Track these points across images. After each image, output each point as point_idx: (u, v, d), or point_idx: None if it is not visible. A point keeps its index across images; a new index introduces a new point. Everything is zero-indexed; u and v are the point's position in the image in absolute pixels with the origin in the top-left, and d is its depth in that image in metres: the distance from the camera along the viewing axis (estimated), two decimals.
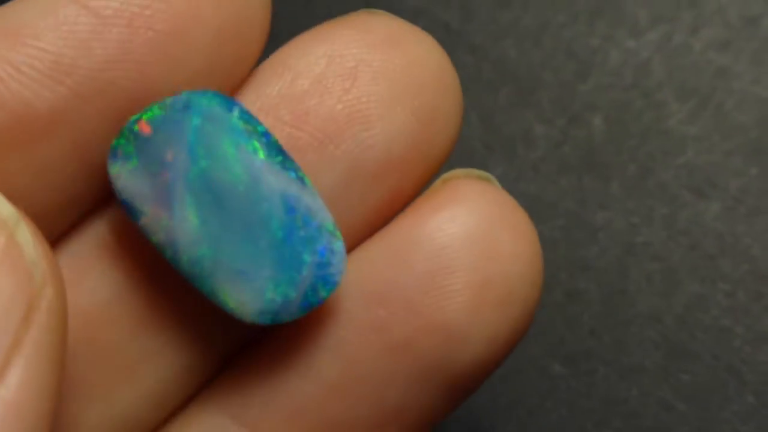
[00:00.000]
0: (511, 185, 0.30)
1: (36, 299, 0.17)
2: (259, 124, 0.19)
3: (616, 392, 0.29)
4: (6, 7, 0.19)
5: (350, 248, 0.21)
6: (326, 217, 0.20)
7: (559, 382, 0.29)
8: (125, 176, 0.19)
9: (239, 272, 0.19)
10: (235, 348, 0.22)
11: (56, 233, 0.21)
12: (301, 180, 0.19)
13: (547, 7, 0.31)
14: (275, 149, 0.19)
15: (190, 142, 0.19)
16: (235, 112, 0.19)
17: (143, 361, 0.21)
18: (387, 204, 0.21)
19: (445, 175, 0.21)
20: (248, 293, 0.19)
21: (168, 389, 0.21)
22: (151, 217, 0.19)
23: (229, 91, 0.20)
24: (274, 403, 0.21)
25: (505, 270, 0.20)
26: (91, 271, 0.21)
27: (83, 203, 0.20)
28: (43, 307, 0.17)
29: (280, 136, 0.20)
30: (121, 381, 0.21)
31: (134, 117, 0.19)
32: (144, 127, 0.19)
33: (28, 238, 0.17)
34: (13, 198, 0.19)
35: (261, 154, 0.19)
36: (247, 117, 0.19)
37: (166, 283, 0.21)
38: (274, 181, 0.19)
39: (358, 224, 0.21)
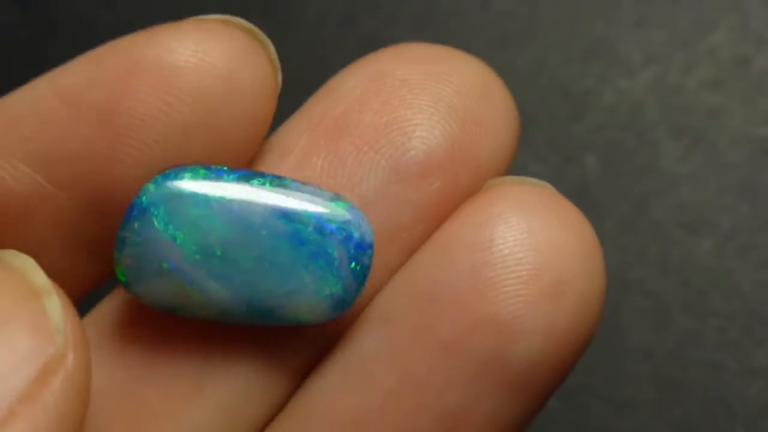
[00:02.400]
0: None
1: (54, 364, 0.18)
2: (218, 168, 0.20)
3: (610, 426, 0.30)
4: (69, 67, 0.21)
5: (397, 250, 0.21)
6: (323, 204, 0.20)
7: (555, 416, 0.30)
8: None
9: (283, 297, 0.20)
10: (300, 363, 0.22)
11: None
12: (282, 185, 0.20)
13: (542, 48, 0.32)
14: (241, 175, 0.20)
15: (171, 226, 0.20)
16: (185, 177, 0.20)
17: (208, 380, 0.21)
18: (432, 207, 0.21)
19: (492, 181, 0.21)
20: (302, 305, 0.20)
21: (238, 408, 0.21)
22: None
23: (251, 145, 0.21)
24: (334, 417, 0.21)
25: (554, 261, 0.20)
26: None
27: (72, 283, 0.21)
28: (60, 373, 0.18)
29: (320, 149, 0.21)
30: (188, 400, 0.21)
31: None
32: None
33: (57, 306, 0.18)
34: None
35: (227, 192, 0.20)
36: (203, 172, 0.20)
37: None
38: (259, 208, 0.20)
39: (403, 227, 0.21)
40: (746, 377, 0.30)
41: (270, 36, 0.21)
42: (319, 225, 0.20)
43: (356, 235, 0.20)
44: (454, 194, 0.21)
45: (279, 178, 0.20)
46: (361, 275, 0.20)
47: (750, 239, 0.30)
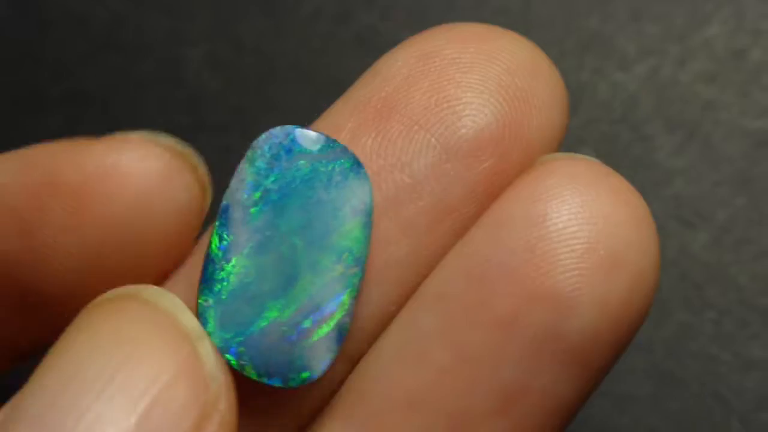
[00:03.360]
0: None
1: (210, 410, 0.18)
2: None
3: (608, 420, 0.30)
4: None
5: (449, 229, 0.21)
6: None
7: None
8: None
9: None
10: (353, 346, 0.22)
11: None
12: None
13: (537, 42, 0.32)
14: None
15: None
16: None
17: None
18: (483, 186, 0.21)
19: (543, 157, 0.21)
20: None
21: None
22: None
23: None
24: (391, 398, 0.20)
25: (608, 235, 0.20)
26: None
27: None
28: (215, 419, 0.18)
29: (369, 129, 0.21)
30: None
31: None
32: None
33: (209, 351, 0.19)
34: None
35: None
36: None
37: None
38: None
39: (454, 205, 0.21)
40: (742, 370, 0.30)
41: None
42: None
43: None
44: (505, 172, 0.21)
45: None
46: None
47: (746, 233, 0.30)
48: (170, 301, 0.19)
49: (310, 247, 0.20)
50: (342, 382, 0.21)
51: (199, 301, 0.20)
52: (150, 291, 0.19)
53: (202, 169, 0.21)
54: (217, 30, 0.33)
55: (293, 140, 0.20)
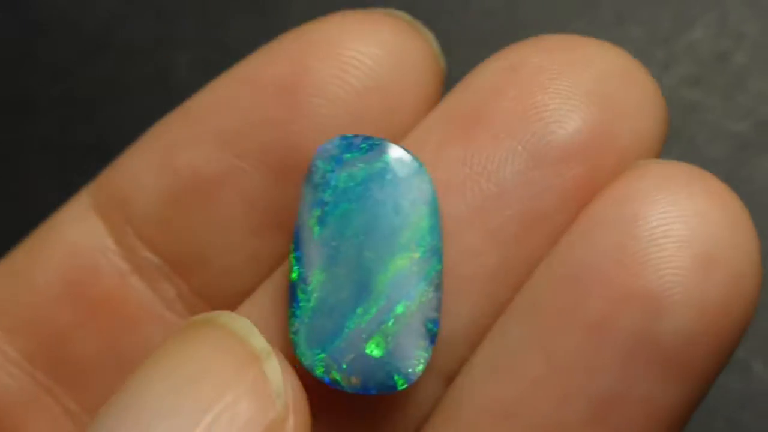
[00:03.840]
0: None
1: (275, 427, 0.18)
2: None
3: None
4: (195, 95, 0.22)
5: (539, 238, 0.20)
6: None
7: None
8: None
9: None
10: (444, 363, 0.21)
11: (247, 289, 0.22)
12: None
13: None
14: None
15: None
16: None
17: None
18: (574, 193, 0.20)
19: (637, 162, 0.20)
20: None
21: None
22: None
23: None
24: (486, 411, 0.20)
25: (702, 233, 0.19)
26: None
27: (257, 263, 0.22)
28: None
29: (456, 139, 0.21)
30: None
31: None
32: None
33: (276, 370, 0.18)
34: (201, 255, 0.22)
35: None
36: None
37: None
38: None
39: (545, 213, 0.20)
40: (726, 370, 0.30)
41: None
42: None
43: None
44: (596, 179, 0.20)
45: None
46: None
47: None
48: (240, 324, 0.19)
49: (378, 248, 0.20)
50: (438, 398, 0.21)
51: (291, 328, 0.20)
52: (224, 316, 0.19)
53: (432, 37, 0.22)
54: (206, 34, 0.33)
55: (341, 148, 0.20)
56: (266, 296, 0.21)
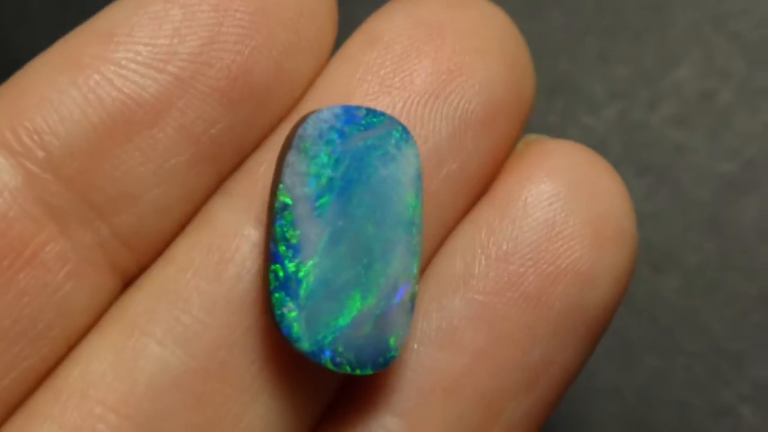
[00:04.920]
0: None
1: None
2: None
3: None
4: (99, 13, 0.20)
5: (472, 197, 0.21)
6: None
7: None
8: None
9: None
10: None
11: (176, 226, 0.21)
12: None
13: None
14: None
15: None
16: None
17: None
18: (497, 151, 0.21)
19: (526, 138, 0.22)
20: None
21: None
22: None
23: (318, 68, 0.21)
24: (428, 386, 0.21)
25: (612, 207, 0.21)
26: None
27: (190, 200, 0.20)
28: None
29: (388, 100, 0.21)
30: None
31: None
32: None
33: None
34: (130, 193, 0.20)
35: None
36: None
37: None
38: None
39: (476, 173, 0.21)
40: (714, 416, 0.30)
41: None
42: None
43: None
44: (512, 135, 0.22)
45: None
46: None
47: (717, 277, 0.30)
48: None
49: (381, 227, 0.20)
50: None
51: (280, 311, 0.19)
52: None
53: None
54: None
55: (342, 120, 0.20)
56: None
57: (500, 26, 0.22)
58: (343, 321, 0.19)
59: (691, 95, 0.31)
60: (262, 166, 0.20)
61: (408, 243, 0.20)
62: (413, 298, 0.20)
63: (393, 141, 0.20)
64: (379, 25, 0.21)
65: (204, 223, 0.20)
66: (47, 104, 0.20)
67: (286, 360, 0.20)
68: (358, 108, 0.20)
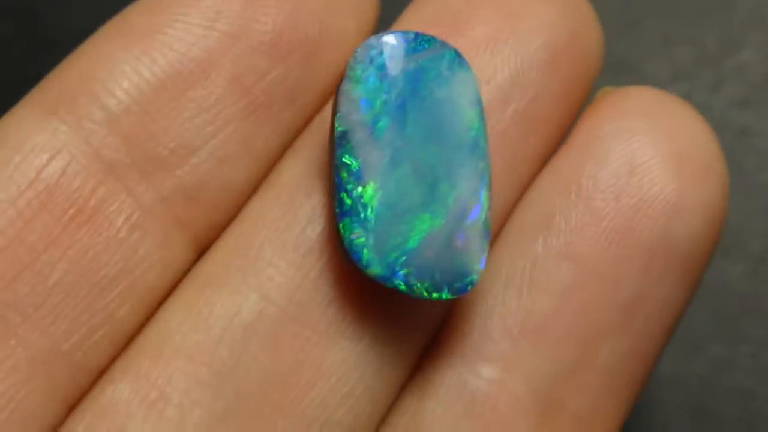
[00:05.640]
0: None
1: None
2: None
3: None
4: None
5: (539, 142, 0.21)
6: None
7: None
8: None
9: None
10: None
11: (240, 176, 0.21)
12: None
13: None
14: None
15: None
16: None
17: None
18: (565, 93, 0.21)
19: (603, 89, 0.22)
20: None
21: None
22: None
23: (365, 24, 0.21)
24: (517, 329, 0.20)
25: (696, 142, 0.21)
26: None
27: (251, 150, 0.21)
28: None
29: (451, 43, 0.21)
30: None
31: None
32: None
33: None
34: (189, 145, 0.20)
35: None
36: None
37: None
38: None
39: (545, 113, 0.21)
40: None
41: None
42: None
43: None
44: (580, 80, 0.21)
45: None
46: None
47: None
48: None
49: (443, 148, 0.19)
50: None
51: (348, 237, 0.19)
52: None
53: None
54: None
55: (393, 46, 0.20)
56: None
57: None
58: (413, 243, 0.19)
59: (755, 78, 0.31)
60: (327, 123, 0.21)
61: (474, 166, 0.19)
62: (487, 224, 0.19)
63: (446, 63, 0.20)
64: None
65: (273, 180, 0.20)
66: (103, 70, 0.20)
67: (366, 301, 0.20)
68: (407, 33, 0.20)
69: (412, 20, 0.21)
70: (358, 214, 0.19)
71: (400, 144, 0.19)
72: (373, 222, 0.19)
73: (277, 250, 0.20)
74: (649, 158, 0.20)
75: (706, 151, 0.21)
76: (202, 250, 0.20)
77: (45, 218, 0.19)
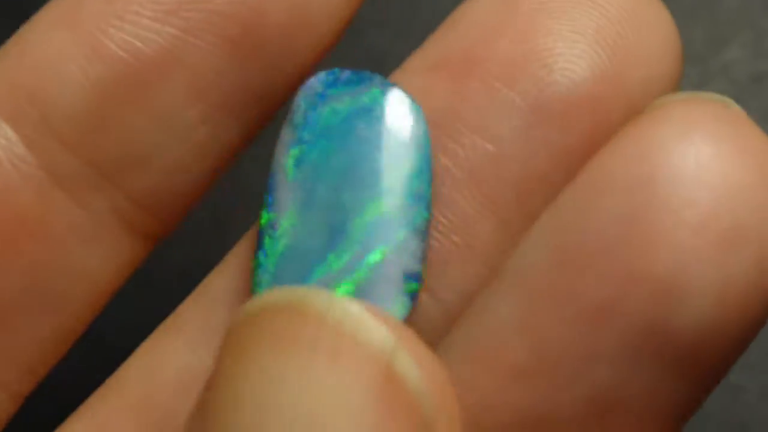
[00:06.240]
0: None
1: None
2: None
3: None
4: None
5: (540, 201, 0.18)
6: None
7: None
8: None
9: None
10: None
11: (195, 190, 0.19)
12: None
13: None
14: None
15: None
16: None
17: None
18: (580, 151, 0.18)
19: (660, 99, 0.17)
20: None
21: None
22: None
23: (342, 16, 0.19)
24: (464, 411, 0.17)
25: (731, 201, 0.16)
26: None
27: (207, 157, 0.19)
28: None
29: (445, 87, 0.18)
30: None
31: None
32: None
33: (409, 364, 0.15)
34: (140, 155, 0.18)
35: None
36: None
37: None
38: None
39: (544, 173, 0.18)
40: (767, 400, 0.29)
41: None
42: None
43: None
44: (603, 134, 0.18)
45: None
46: None
47: None
48: (343, 312, 0.15)
49: (357, 190, 0.18)
50: None
51: (254, 283, 0.18)
52: (318, 301, 0.15)
53: None
54: None
55: (326, 84, 0.19)
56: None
57: (614, 4, 0.18)
58: (308, 282, 0.18)
59: (741, 76, 0.31)
60: None
61: (395, 209, 0.18)
62: (410, 279, 0.18)
63: (379, 101, 0.18)
64: (464, 8, 0.19)
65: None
66: (45, 64, 0.18)
67: None
68: (343, 70, 0.19)
69: (422, 58, 0.19)
70: (265, 250, 0.18)
71: (311, 185, 0.18)
72: (275, 261, 0.18)
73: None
74: (655, 217, 0.16)
75: (748, 207, 0.16)
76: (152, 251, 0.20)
77: None
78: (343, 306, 0.15)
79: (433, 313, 0.18)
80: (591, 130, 0.18)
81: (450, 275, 0.18)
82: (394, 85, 0.19)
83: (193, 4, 0.18)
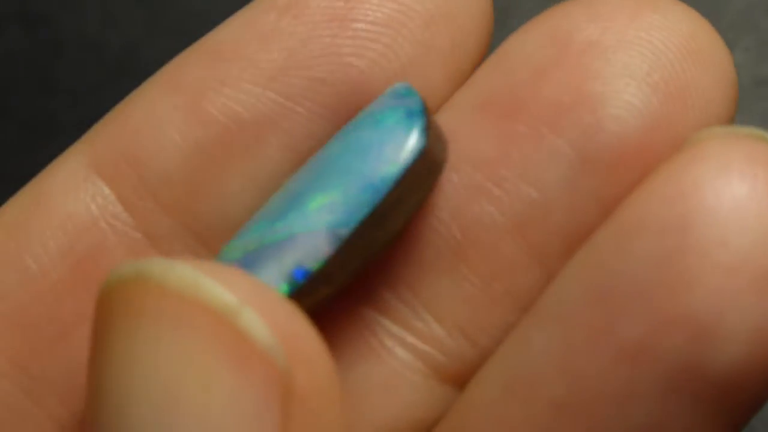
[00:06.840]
0: None
1: (288, 387, 0.15)
2: None
3: None
4: (209, 33, 0.19)
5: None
6: None
7: None
8: None
9: None
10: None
11: None
12: None
13: None
14: None
15: None
16: None
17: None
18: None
19: (697, 134, 0.17)
20: None
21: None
22: None
23: (450, 79, 0.19)
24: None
25: (766, 242, 0.16)
26: None
27: None
28: (299, 394, 0.15)
29: (490, 130, 0.18)
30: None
31: None
32: None
33: (255, 321, 0.15)
34: (235, 218, 0.18)
35: None
36: None
37: None
38: None
39: (591, 226, 0.18)
40: None
41: None
42: None
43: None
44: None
45: None
46: None
47: None
48: (181, 277, 0.15)
49: (318, 180, 0.18)
50: (449, 405, 0.18)
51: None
52: (158, 270, 0.15)
53: None
54: None
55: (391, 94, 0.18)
56: None
57: (669, 42, 0.18)
58: (230, 245, 0.18)
59: (744, 80, 0.31)
60: None
61: (328, 205, 0.18)
62: (298, 271, 0.17)
63: (393, 113, 0.18)
64: (512, 43, 0.19)
65: None
66: (146, 128, 0.19)
67: None
68: (403, 83, 0.18)
69: (468, 98, 0.19)
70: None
71: (297, 175, 0.18)
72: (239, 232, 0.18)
73: None
74: (691, 259, 0.16)
75: None
76: None
77: (80, 294, 0.18)
78: (181, 271, 0.15)
79: (469, 356, 0.18)
80: (641, 179, 0.17)
81: (487, 321, 0.18)
82: (417, 101, 0.18)
83: (294, 70, 0.18)
